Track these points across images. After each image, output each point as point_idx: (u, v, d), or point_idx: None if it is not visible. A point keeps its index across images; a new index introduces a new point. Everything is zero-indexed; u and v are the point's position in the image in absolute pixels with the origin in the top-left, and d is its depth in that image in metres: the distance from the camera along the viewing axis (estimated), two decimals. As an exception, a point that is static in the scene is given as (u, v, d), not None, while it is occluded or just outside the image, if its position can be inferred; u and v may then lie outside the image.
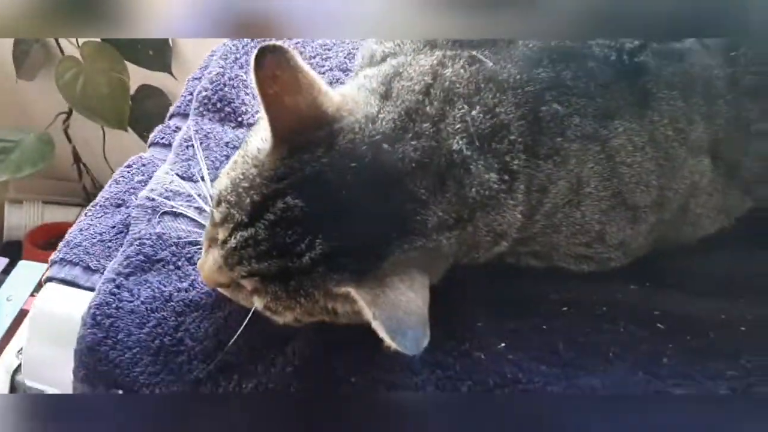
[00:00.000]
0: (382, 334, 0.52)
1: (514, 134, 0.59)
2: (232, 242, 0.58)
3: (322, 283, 0.56)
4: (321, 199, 0.56)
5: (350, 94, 0.61)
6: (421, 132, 0.57)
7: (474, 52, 0.60)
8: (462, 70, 0.60)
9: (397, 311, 0.53)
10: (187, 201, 0.75)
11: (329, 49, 0.93)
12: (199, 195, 0.73)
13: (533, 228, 0.63)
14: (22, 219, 1.97)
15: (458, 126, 0.58)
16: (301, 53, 0.93)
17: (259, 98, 0.57)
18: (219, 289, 0.66)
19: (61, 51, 1.67)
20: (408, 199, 0.57)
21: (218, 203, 0.60)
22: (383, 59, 0.66)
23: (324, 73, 0.91)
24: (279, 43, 0.56)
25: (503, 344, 0.64)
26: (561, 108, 0.59)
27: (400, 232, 0.57)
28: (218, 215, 0.60)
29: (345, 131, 0.57)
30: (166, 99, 1.69)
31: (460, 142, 0.58)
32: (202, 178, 0.72)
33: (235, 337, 0.63)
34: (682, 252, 0.70)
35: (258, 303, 0.60)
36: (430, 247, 0.58)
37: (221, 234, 0.60)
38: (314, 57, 0.92)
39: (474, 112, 0.58)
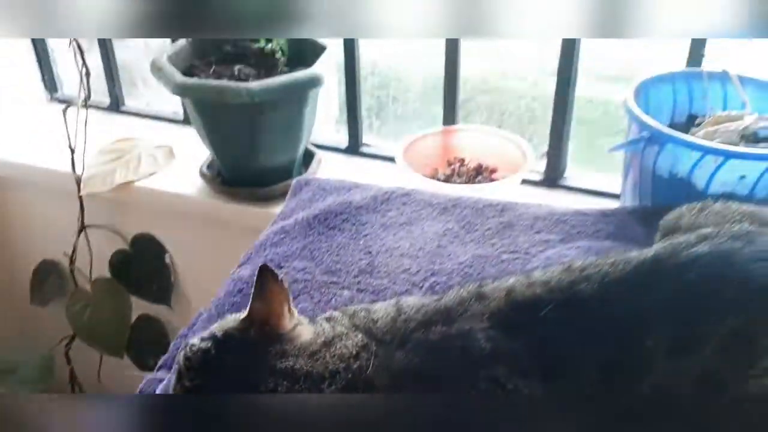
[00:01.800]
0: None
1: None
2: None
3: None
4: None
5: (316, 330, 0.75)
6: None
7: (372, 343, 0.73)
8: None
9: None
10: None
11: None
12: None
13: None
14: None
15: None
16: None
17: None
18: None
19: (75, 284, 1.84)
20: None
21: None
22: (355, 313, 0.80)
23: (331, 300, 1.05)
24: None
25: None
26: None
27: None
28: None
29: (287, 351, 0.71)
30: (162, 328, 1.85)
31: None
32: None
33: None
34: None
35: None
36: None
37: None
38: (321, 288, 1.07)
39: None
